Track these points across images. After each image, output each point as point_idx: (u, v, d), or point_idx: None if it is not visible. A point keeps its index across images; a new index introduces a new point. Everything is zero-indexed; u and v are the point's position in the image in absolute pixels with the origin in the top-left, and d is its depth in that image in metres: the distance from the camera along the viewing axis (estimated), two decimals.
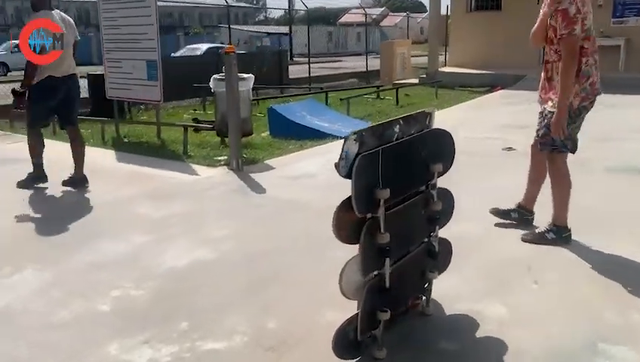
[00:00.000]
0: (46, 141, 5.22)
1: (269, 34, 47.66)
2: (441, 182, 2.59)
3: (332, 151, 5.82)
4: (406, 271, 2.50)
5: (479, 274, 3.15)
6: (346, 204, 2.10)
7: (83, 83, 6.68)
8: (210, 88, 7.06)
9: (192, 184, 5.25)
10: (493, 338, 2.51)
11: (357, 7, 54.03)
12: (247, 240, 3.77)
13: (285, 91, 13.44)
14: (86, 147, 5.26)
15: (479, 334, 2.55)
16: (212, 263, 3.39)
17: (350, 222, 2.15)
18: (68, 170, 5.07)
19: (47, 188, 5.05)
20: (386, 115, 9.40)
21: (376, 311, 2.26)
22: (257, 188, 4.99)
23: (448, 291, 2.85)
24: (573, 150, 3.49)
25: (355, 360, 2.31)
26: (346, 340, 2.25)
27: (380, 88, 12.23)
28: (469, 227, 3.59)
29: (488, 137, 6.94)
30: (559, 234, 3.50)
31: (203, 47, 22.33)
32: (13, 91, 4.91)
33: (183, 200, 4.70)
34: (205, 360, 2.39)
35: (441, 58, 17.20)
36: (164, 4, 41.96)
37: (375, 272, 2.28)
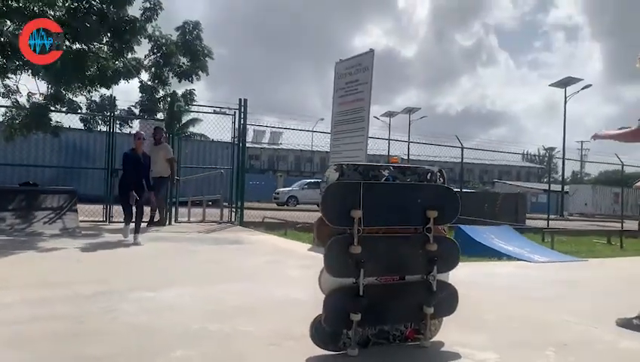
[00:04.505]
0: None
1: (545, 191, 46.63)
2: None
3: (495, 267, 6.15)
4: (396, 294, 3.00)
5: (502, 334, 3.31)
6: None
7: None
8: None
9: None
10: None
11: None
12: None
13: None
14: None
15: None
16: None
17: (329, 233, 2.88)
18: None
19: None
20: (599, 254, 8.91)
21: (349, 311, 2.84)
22: None
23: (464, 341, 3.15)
24: None
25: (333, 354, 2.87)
26: (321, 332, 2.87)
27: (611, 233, 11.36)
28: None
29: None
30: None
31: None
32: None
33: None
34: None
35: None
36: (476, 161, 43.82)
37: (353, 280, 2.89)
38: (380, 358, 2.88)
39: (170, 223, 11.13)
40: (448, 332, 3.19)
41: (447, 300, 3.12)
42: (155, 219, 10.29)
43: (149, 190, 8.03)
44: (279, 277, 5.21)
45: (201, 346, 2.96)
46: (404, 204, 3.04)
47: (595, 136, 4.00)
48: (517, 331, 3.53)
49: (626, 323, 3.62)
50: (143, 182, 7.79)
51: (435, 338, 3.15)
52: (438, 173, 3.19)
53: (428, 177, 3.15)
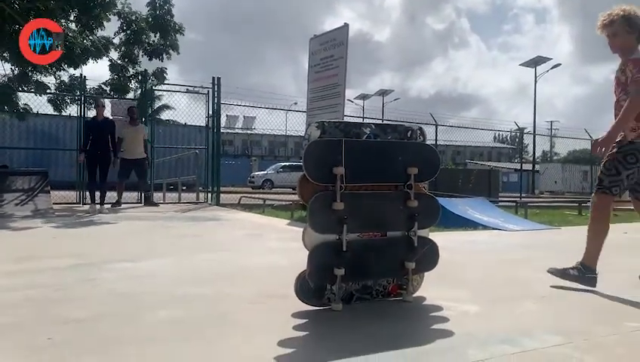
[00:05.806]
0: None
1: (515, 170, 47.59)
2: None
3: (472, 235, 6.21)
4: (378, 250, 3.03)
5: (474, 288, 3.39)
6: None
7: None
8: None
9: None
10: (450, 324, 2.76)
11: None
12: None
13: None
14: None
15: (438, 321, 2.83)
16: None
17: (312, 190, 2.88)
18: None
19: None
20: (571, 223, 9.11)
21: (333, 266, 2.85)
22: None
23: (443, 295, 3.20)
24: (620, 194, 3.53)
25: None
26: (305, 287, 2.89)
27: (583, 204, 11.65)
28: None
29: None
30: (582, 273, 3.51)
31: None
32: None
33: None
34: None
35: None
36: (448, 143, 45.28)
37: (336, 236, 2.90)
38: (364, 313, 2.91)
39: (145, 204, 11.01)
40: (430, 290, 3.23)
41: (428, 255, 3.16)
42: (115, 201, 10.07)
43: (115, 156, 8.71)
44: (260, 248, 5.21)
45: (186, 307, 2.95)
46: (385, 161, 3.05)
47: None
48: (496, 287, 3.61)
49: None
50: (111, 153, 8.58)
51: (417, 294, 3.20)
52: (419, 131, 3.21)
53: (408, 135, 3.17)
